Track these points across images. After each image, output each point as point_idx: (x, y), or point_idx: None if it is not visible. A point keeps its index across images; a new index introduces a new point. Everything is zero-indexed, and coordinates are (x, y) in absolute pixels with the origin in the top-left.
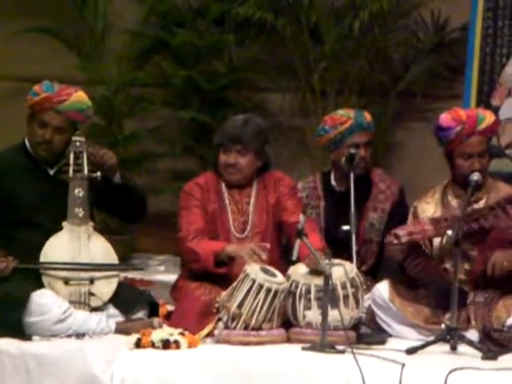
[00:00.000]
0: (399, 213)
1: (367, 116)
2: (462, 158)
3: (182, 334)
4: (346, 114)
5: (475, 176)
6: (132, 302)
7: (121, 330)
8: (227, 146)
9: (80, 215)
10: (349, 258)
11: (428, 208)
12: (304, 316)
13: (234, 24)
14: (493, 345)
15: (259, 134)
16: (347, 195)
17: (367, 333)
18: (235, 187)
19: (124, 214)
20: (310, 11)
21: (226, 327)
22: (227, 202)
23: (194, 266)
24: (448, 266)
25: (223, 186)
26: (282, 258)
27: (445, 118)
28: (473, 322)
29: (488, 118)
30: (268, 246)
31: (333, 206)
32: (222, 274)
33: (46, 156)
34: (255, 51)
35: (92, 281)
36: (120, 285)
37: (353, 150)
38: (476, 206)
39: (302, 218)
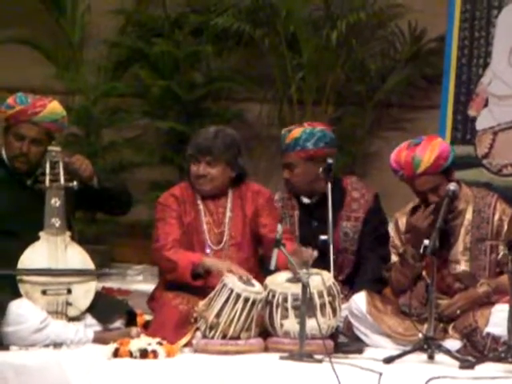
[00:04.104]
0: (374, 220)
1: (290, 136)
2: (417, 193)
3: (159, 343)
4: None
5: (451, 186)
6: (110, 312)
7: (98, 339)
8: (197, 157)
9: (57, 225)
10: (325, 268)
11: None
12: (281, 325)
13: (212, 35)
14: (472, 348)
15: (230, 146)
16: (318, 206)
17: (345, 342)
18: (209, 198)
19: (107, 209)
20: (288, 22)
21: (204, 337)
22: (202, 213)
23: (170, 276)
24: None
25: (198, 197)
26: (260, 269)
27: (392, 157)
28: (450, 332)
29: (426, 159)
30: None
31: (306, 216)
32: (197, 285)
33: (23, 168)
34: (233, 62)
35: (69, 290)
36: (97, 294)
37: (330, 160)
38: (457, 222)
39: (279, 227)
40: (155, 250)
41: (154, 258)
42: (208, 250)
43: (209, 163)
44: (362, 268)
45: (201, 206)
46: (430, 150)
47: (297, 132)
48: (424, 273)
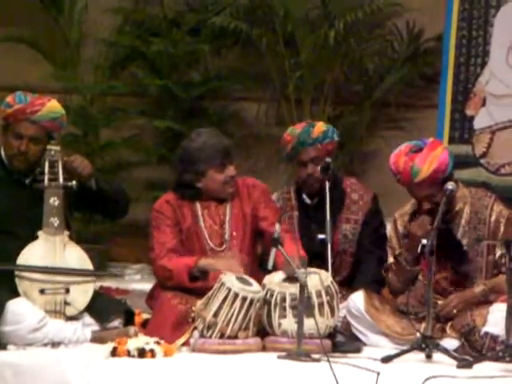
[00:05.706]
0: (373, 222)
1: (316, 129)
2: (414, 197)
3: (157, 342)
4: (291, 133)
5: (449, 186)
6: (107, 311)
7: (96, 338)
8: (225, 162)
9: (55, 224)
10: (323, 267)
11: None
12: (279, 324)
13: (210, 34)
14: (469, 347)
15: None
16: (319, 207)
17: (343, 341)
18: (211, 200)
19: (105, 212)
20: (286, 21)
21: (202, 336)
22: (201, 216)
23: (168, 283)
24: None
25: (196, 202)
26: (259, 267)
27: (391, 159)
28: (448, 331)
29: (424, 170)
30: (246, 258)
31: (306, 217)
32: (198, 288)
33: (21, 167)
34: (231, 61)
35: (67, 290)
36: (95, 294)
37: (328, 159)
38: (454, 222)
39: (277, 226)
40: (151, 261)
41: (152, 269)
42: (209, 253)
43: (232, 164)
44: (360, 270)
45: (199, 210)
46: (429, 161)
47: (322, 125)
48: (420, 276)
